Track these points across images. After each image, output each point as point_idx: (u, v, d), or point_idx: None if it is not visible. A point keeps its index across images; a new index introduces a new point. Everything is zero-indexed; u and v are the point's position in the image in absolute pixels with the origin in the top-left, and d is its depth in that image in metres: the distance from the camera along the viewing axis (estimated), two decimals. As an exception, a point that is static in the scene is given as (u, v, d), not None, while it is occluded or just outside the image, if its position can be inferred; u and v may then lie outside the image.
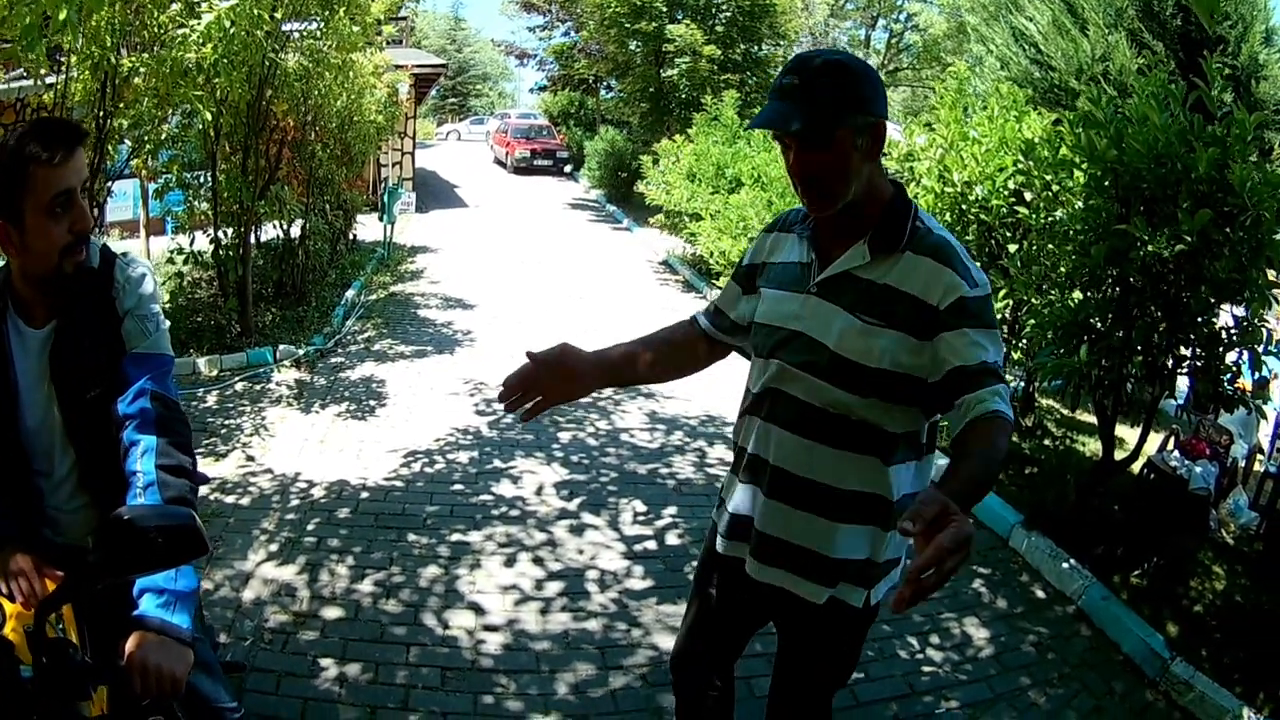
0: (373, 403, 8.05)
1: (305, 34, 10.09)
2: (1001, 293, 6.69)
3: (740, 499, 2.48)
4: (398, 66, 16.81)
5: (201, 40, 6.82)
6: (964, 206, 7.15)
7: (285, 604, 4.62)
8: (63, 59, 6.97)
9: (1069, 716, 4.32)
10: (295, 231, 11.46)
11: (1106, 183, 5.48)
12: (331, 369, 9.09)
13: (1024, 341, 6.81)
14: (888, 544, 2.37)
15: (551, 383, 2.47)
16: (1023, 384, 8.26)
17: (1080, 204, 5.74)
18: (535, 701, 3.96)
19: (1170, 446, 7.51)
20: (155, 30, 7.23)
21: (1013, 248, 6.79)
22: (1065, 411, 9.32)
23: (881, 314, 2.18)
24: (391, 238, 15.92)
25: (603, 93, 34.79)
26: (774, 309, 2.38)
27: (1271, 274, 5.14)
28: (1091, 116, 5.54)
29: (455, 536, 5.49)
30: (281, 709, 3.78)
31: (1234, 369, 5.43)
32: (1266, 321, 5.32)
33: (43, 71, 6.20)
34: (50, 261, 2.12)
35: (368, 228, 16.47)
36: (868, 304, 2.19)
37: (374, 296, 12.60)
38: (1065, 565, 5.66)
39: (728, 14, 23.92)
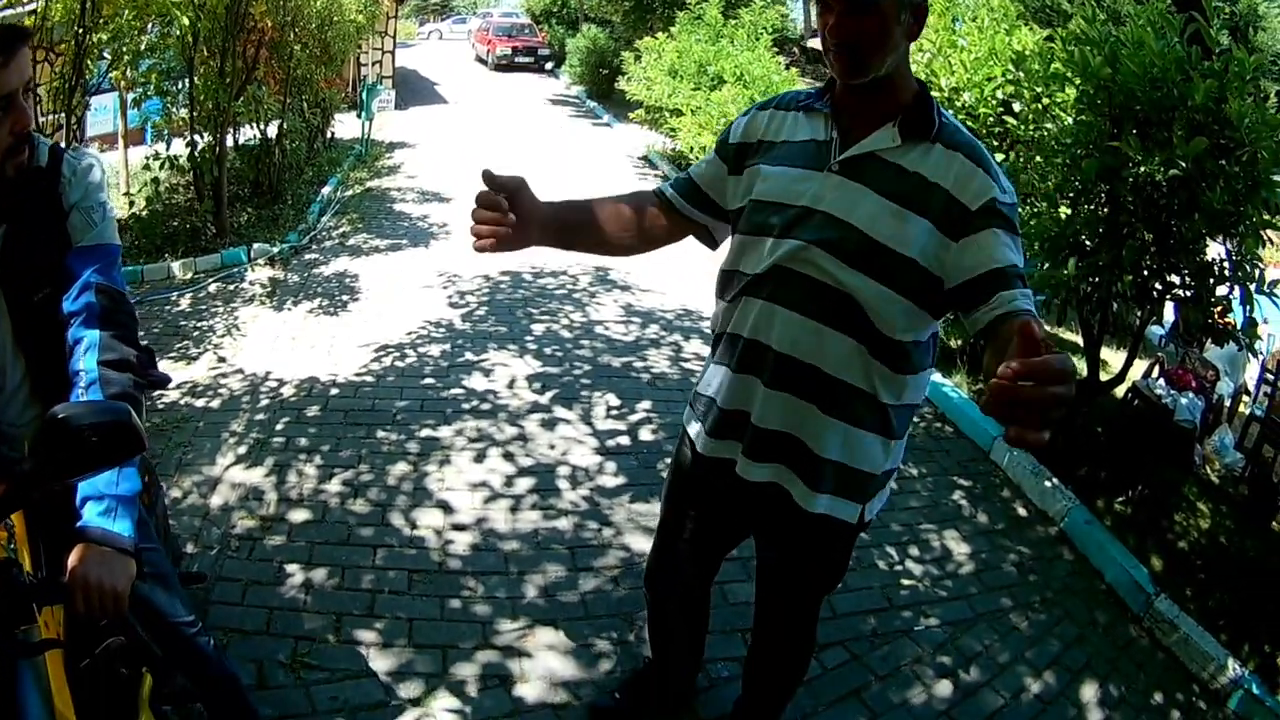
0: (345, 298, 7.97)
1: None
2: None
3: (732, 391, 2.36)
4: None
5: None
6: (950, 112, 6.97)
7: (252, 509, 4.56)
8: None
9: (1051, 644, 4.28)
10: (272, 131, 11.27)
11: (1099, 100, 5.39)
12: (305, 265, 8.97)
13: None
14: (890, 453, 2.34)
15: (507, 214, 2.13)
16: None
17: (1071, 119, 5.66)
18: (503, 605, 3.93)
19: (1155, 375, 7.50)
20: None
21: (999, 157, 6.66)
22: (1050, 328, 9.22)
23: (914, 201, 2.09)
24: (370, 134, 15.66)
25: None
26: (784, 186, 2.23)
27: (1266, 215, 5.06)
28: (1085, 34, 5.47)
29: (425, 432, 5.44)
30: (247, 619, 3.72)
31: (1224, 303, 5.38)
32: (1260, 260, 5.26)
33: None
34: None
35: (346, 125, 16.16)
36: (899, 188, 2.11)
37: (350, 192, 12.41)
38: (1047, 484, 5.64)
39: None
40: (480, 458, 5.18)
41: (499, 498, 4.80)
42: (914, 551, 4.81)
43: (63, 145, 2.25)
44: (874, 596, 4.35)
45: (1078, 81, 5.53)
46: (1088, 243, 5.47)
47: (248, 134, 10.98)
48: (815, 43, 24.15)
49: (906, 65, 2.17)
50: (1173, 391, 7.02)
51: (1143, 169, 4.93)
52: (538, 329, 7.35)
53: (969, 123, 6.94)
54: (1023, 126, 6.29)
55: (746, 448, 2.34)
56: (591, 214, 2.42)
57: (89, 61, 7.54)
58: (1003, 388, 1.29)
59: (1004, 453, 6.05)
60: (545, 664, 3.60)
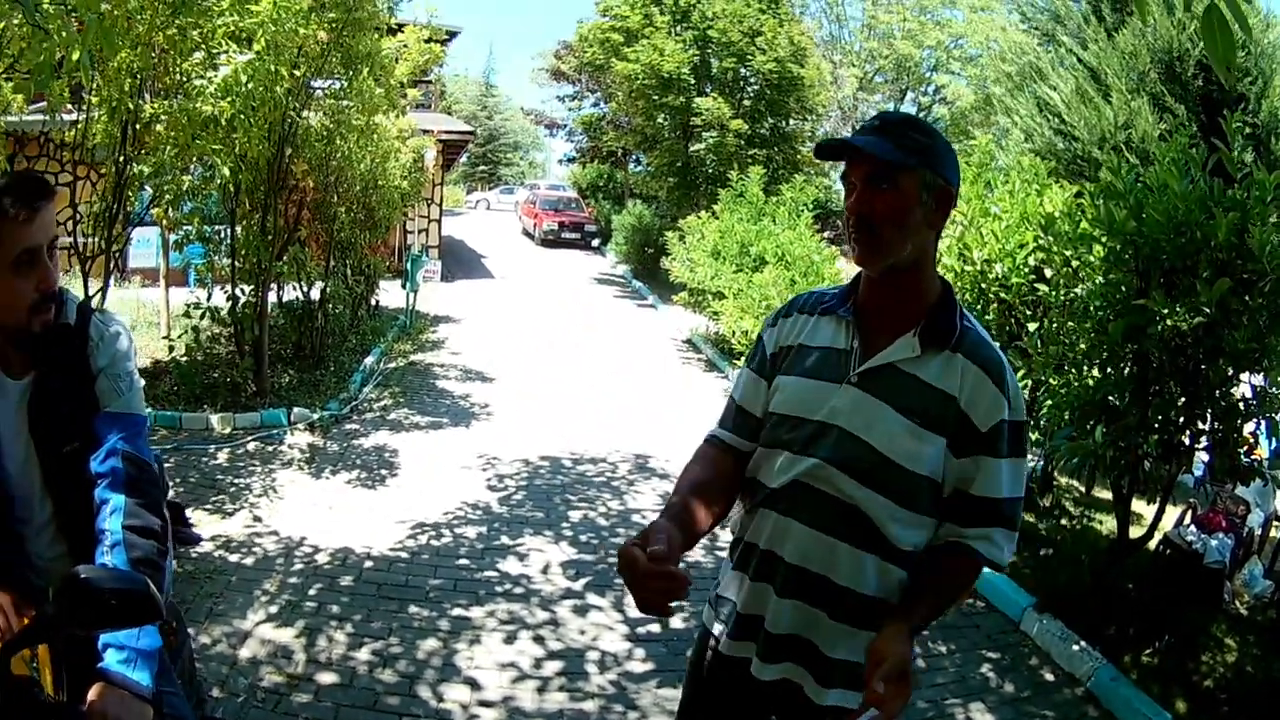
0: (384, 471, 7.99)
1: (329, 92, 10.21)
2: (1020, 373, 6.46)
3: (748, 597, 2.33)
4: (425, 131, 16.79)
5: (219, 93, 6.89)
6: (984, 285, 7.04)
7: (281, 665, 4.58)
8: (85, 97, 7.04)
9: None
10: (315, 294, 11.49)
11: (1126, 255, 5.35)
12: (345, 435, 9.05)
13: (1042, 422, 6.60)
14: None
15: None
16: (1041, 464, 8.04)
17: (1100, 279, 5.61)
18: None
19: (1187, 521, 7.45)
20: (177, 77, 7.26)
21: (1032, 326, 6.63)
22: (1082, 490, 9.16)
23: (932, 418, 2.10)
24: (414, 306, 15.92)
25: (631, 166, 34.93)
26: (801, 398, 2.22)
27: None
28: (1112, 187, 5.41)
29: (457, 611, 5.41)
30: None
31: (1251, 439, 5.35)
32: None
33: (66, 108, 6.23)
34: (20, 318, 2.13)
35: (390, 294, 16.41)
36: (917, 404, 2.11)
37: (393, 364, 12.57)
38: (1076, 647, 5.54)
39: (755, 87, 23.90)
40: (511, 639, 5.13)
41: (527, 678, 4.74)
42: None
43: (91, 306, 2.39)
44: None
45: (1105, 240, 5.49)
46: (1117, 404, 5.36)
47: (291, 294, 11.16)
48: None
49: (931, 261, 2.18)
50: (1203, 536, 6.97)
51: (1169, 321, 4.86)
52: (575, 515, 7.29)
53: (1002, 294, 6.94)
54: (1054, 292, 6.23)
55: (761, 649, 2.31)
56: (700, 511, 2.23)
57: (130, 192, 7.63)
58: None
59: (1034, 622, 5.94)
60: None
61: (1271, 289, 4.81)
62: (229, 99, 6.95)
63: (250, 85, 7.01)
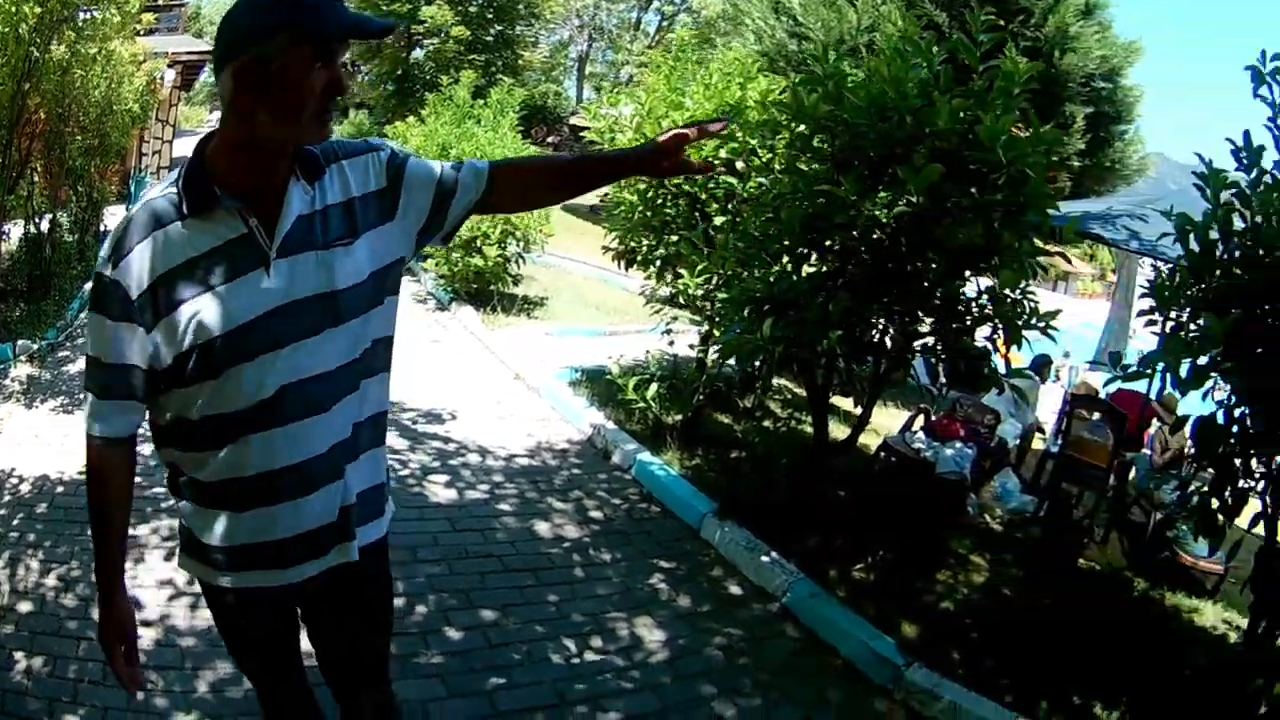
0: (83, 396, 7.67)
1: (72, 26, 9.86)
2: (701, 266, 6.43)
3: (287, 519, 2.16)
4: (165, 54, 16.37)
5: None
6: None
7: (-11, 598, 4.45)
8: None
9: None
10: (47, 226, 11.23)
11: (816, 142, 5.08)
12: (59, 363, 8.78)
13: (716, 318, 6.45)
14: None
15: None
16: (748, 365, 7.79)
17: (781, 166, 5.43)
18: (178, 699, 3.86)
19: (916, 427, 7.39)
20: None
21: (720, 219, 6.57)
22: (800, 390, 8.91)
23: (351, 230, 2.08)
24: (135, 226, 15.21)
25: (359, 78, 34.44)
26: (234, 306, 1.96)
27: (1038, 243, 4.80)
28: (812, 74, 5.15)
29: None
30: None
31: (985, 346, 5.04)
32: (1032, 294, 4.96)
33: None
34: None
35: (118, 218, 15.53)
36: (336, 230, 2.06)
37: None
38: (766, 559, 5.30)
39: (486, -6, 23.46)
40: (169, 556, 4.98)
41: (182, 595, 4.62)
42: (596, 642, 4.58)
43: None
44: (544, 692, 4.11)
45: (792, 124, 5.23)
46: (794, 298, 4.97)
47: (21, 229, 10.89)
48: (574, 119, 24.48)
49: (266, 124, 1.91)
50: (934, 444, 6.89)
51: (866, 210, 4.59)
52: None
53: (685, 186, 6.78)
54: (742, 184, 6.16)
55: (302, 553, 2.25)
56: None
57: None
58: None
59: (715, 529, 5.70)
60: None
61: (1008, 183, 4.62)
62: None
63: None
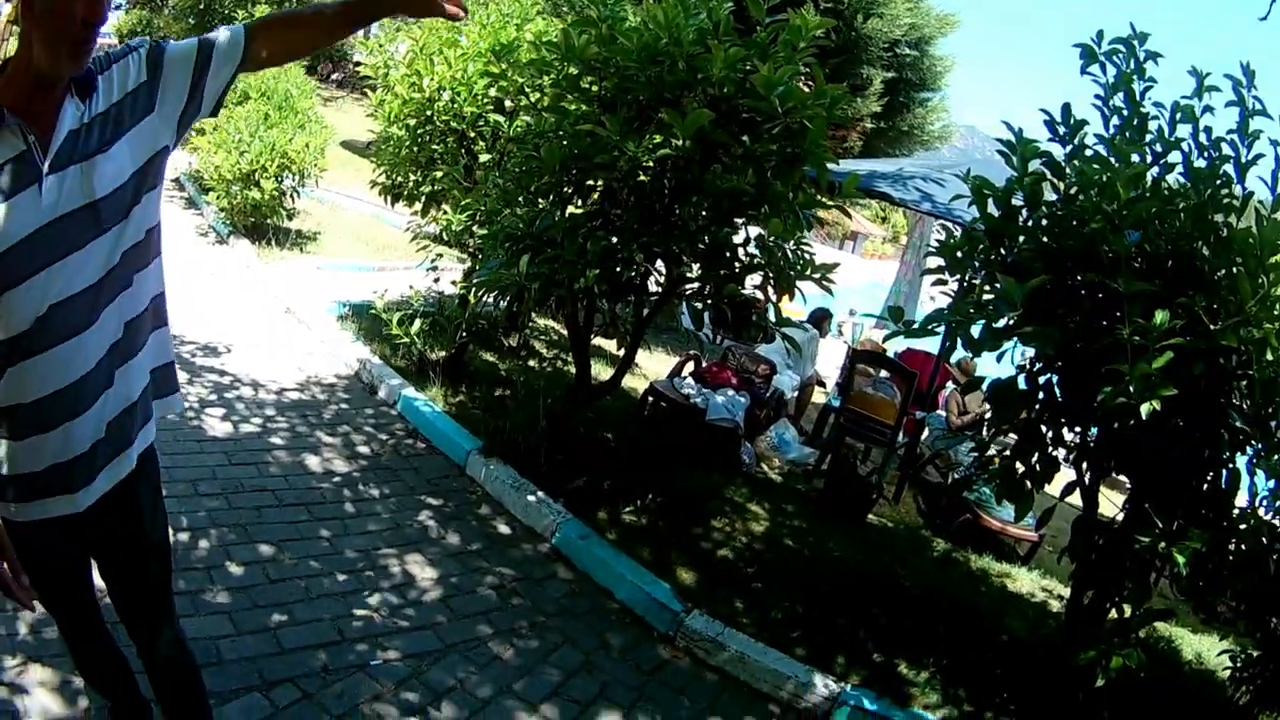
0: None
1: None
2: (466, 200, 6.43)
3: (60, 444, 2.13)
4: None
5: None
6: (430, 113, 6.94)
7: None
8: None
9: (549, 673, 4.07)
10: None
11: (584, 83, 5.08)
12: None
13: (478, 255, 6.49)
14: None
15: None
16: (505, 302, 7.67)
17: (546, 105, 5.39)
18: (3, 642, 3.53)
19: (685, 373, 7.39)
20: None
21: (485, 157, 6.59)
22: (564, 331, 8.87)
23: (113, 134, 2.06)
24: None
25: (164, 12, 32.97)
26: (8, 225, 1.93)
27: (813, 193, 4.84)
28: (586, 17, 5.09)
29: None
30: None
31: (753, 294, 5.07)
32: (807, 244, 5.04)
33: None
34: None
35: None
36: (99, 139, 2.04)
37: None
38: (532, 498, 5.32)
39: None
40: None
41: None
42: (369, 577, 4.55)
43: None
44: (324, 629, 4.05)
45: (558, 65, 5.22)
46: (554, 236, 4.95)
47: None
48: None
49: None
50: (704, 390, 6.90)
51: (630, 152, 4.56)
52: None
53: (453, 123, 6.81)
54: (508, 123, 6.15)
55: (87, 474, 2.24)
56: None
57: None
58: None
59: (480, 467, 5.71)
60: (41, 701, 3.28)
61: (784, 133, 4.63)
62: None
63: None
